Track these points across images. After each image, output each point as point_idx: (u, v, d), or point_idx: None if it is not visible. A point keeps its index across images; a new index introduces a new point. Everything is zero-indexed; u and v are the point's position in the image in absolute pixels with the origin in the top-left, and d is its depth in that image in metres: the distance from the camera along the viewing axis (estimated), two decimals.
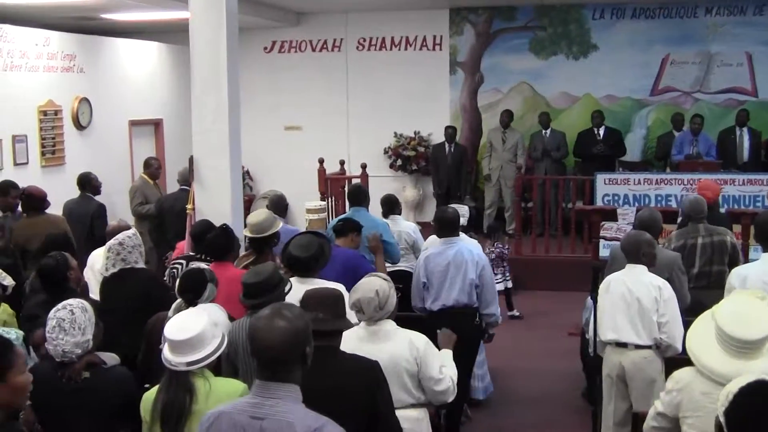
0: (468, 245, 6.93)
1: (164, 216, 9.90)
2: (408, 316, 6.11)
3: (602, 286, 6.10)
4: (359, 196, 8.21)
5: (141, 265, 6.19)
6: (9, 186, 8.55)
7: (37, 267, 5.77)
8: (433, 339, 4.91)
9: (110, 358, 4.38)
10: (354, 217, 7.58)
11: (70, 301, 4.30)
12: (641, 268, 5.99)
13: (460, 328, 5.59)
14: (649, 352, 5.87)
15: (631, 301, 5.87)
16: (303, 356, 3.11)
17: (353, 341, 4.39)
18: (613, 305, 5.94)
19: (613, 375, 6.00)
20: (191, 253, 7.03)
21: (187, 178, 10.08)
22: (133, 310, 5.63)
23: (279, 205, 8.53)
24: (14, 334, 4.62)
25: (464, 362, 5.87)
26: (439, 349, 4.93)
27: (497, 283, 9.81)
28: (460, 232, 7.59)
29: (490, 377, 7.97)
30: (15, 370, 3.22)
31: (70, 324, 4.18)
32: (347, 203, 12.36)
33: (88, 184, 9.65)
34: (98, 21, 13.16)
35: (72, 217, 9.09)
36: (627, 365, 5.89)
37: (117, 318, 5.34)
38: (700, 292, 6.91)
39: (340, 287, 4.89)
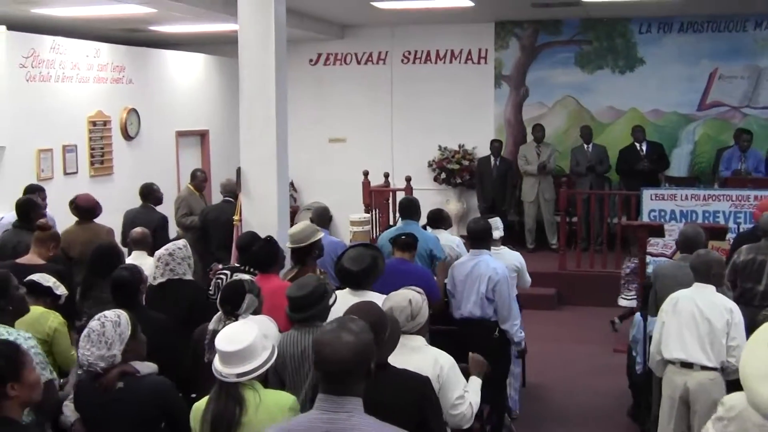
0: (489, 259, 6.89)
1: (208, 227, 9.91)
2: (438, 329, 6.05)
3: (668, 304, 5.96)
4: (411, 209, 8.18)
5: (189, 277, 6.23)
6: (35, 190, 8.67)
7: (110, 278, 5.73)
8: (461, 350, 4.86)
9: (146, 367, 4.38)
10: (405, 230, 7.60)
11: (107, 312, 4.33)
12: (711, 288, 5.88)
13: (476, 340, 5.59)
14: (715, 374, 5.75)
15: (701, 321, 5.75)
16: (368, 370, 3.10)
17: None
18: (681, 324, 5.82)
19: (675, 396, 5.87)
20: (236, 265, 7.08)
21: (230, 190, 10.15)
22: (178, 320, 5.66)
23: (322, 217, 8.52)
24: (15, 334, 4.62)
25: (494, 376, 5.83)
26: (470, 374, 4.91)
27: (628, 299, 9.72)
28: (501, 245, 7.60)
29: (518, 395, 7.89)
30: (28, 369, 3.28)
31: (98, 336, 4.20)
32: (392, 216, 12.49)
33: (150, 194, 9.68)
34: (147, 33, 13.33)
35: (134, 227, 9.07)
36: (692, 386, 5.77)
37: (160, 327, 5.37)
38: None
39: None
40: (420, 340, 4.63)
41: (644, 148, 13.05)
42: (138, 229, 7.70)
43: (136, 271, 5.59)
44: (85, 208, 8.43)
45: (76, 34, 11.93)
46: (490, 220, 7.43)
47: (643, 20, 14.04)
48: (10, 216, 8.83)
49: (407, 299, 4.59)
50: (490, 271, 6.70)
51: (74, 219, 8.41)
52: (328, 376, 3.07)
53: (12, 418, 3.17)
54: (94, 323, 4.24)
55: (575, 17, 14.12)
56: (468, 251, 8.06)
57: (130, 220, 9.29)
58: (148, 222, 8.99)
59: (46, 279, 5.70)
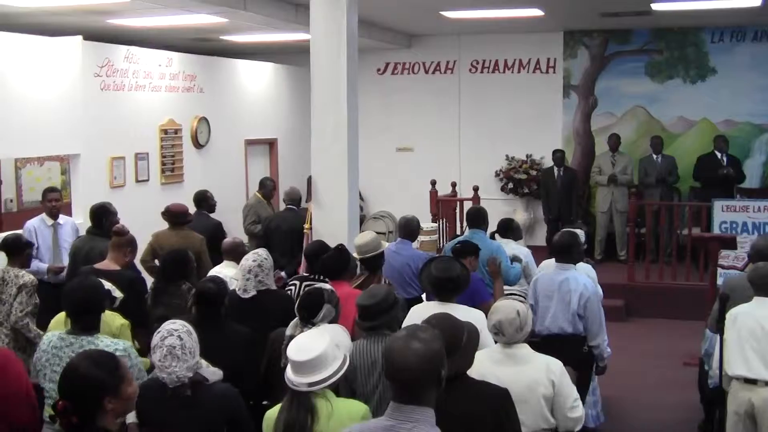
0: (578, 274, 6.81)
1: (270, 235, 9.93)
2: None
3: (728, 320, 5.87)
4: (478, 218, 8.15)
5: (273, 286, 6.31)
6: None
7: (196, 289, 5.76)
8: None
9: (212, 374, 4.43)
10: (472, 239, 7.57)
11: (173, 326, 4.31)
12: None
13: (567, 356, 5.51)
14: None
15: (762, 336, 5.66)
16: (438, 379, 3.08)
17: (487, 363, 4.34)
18: (742, 339, 5.73)
19: (741, 412, 5.77)
20: (305, 274, 7.11)
21: (293, 198, 10.22)
22: (268, 331, 5.64)
23: (408, 228, 8.35)
24: (122, 345, 4.72)
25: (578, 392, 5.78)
26: None
27: None
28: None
29: (601, 406, 7.80)
30: (126, 383, 3.31)
31: (181, 350, 4.22)
32: (458, 225, 12.46)
33: (204, 201, 9.79)
34: (217, 42, 13.50)
35: None
36: (757, 402, 5.67)
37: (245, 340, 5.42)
38: None
39: (476, 314, 4.88)
40: (527, 349, 4.65)
41: (725, 158, 12.81)
42: (229, 240, 7.77)
43: (222, 285, 5.60)
44: (174, 213, 8.61)
45: (149, 44, 12.14)
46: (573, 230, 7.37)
47: (715, 29, 13.84)
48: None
49: (515, 311, 4.60)
50: (581, 288, 6.59)
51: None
52: (397, 384, 3.09)
53: (105, 428, 3.21)
54: (169, 340, 4.22)
55: (645, 27, 13.97)
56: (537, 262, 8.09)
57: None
58: (203, 229, 9.11)
59: (104, 284, 5.81)
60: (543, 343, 6.45)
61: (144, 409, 4.27)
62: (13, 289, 6.88)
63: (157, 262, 8.14)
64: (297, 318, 5.02)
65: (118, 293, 5.86)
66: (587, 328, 6.62)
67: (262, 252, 6.35)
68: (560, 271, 6.78)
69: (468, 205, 12.28)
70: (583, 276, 6.79)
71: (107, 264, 6.90)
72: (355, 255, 6.72)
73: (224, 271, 7.12)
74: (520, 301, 4.73)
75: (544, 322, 6.70)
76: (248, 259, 6.21)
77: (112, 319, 5.58)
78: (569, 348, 6.43)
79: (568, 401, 4.55)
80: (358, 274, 6.79)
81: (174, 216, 8.60)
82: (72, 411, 3.13)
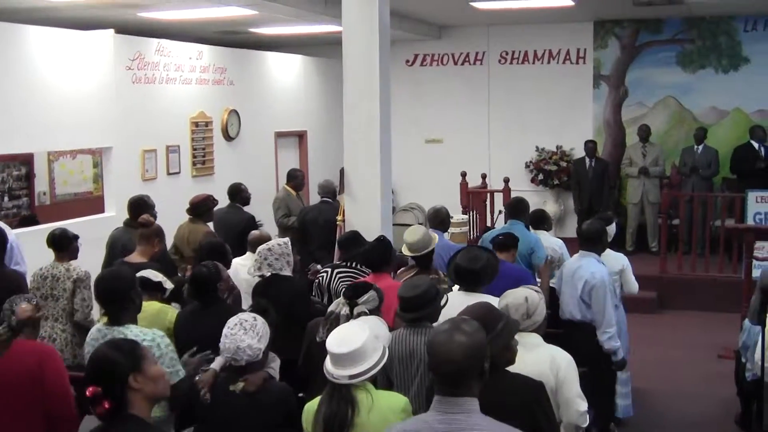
0: (592, 262, 6.70)
1: (306, 228, 9.90)
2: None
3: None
4: (519, 208, 8.09)
5: (287, 273, 6.34)
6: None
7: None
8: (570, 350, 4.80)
9: (272, 358, 4.57)
10: (511, 230, 7.53)
11: (254, 315, 4.50)
12: None
13: (581, 344, 5.50)
14: None
15: None
16: (482, 370, 3.09)
17: None
18: None
19: None
20: (336, 262, 7.12)
21: (328, 190, 10.20)
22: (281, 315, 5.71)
23: (437, 219, 8.30)
24: (150, 335, 4.71)
25: (601, 381, 5.73)
26: None
27: None
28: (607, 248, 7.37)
29: (632, 398, 7.74)
30: (148, 361, 3.32)
31: (251, 327, 4.35)
32: (489, 217, 12.42)
33: (238, 194, 9.75)
34: (247, 35, 13.52)
35: (222, 226, 9.20)
36: None
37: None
38: None
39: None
40: (536, 338, 4.59)
41: (762, 149, 12.68)
42: (256, 232, 7.81)
43: (213, 268, 5.70)
44: (189, 205, 8.68)
45: (179, 37, 12.18)
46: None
47: (748, 18, 13.68)
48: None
49: (523, 297, 4.57)
50: (587, 275, 6.55)
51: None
52: (443, 377, 3.08)
53: (138, 416, 3.22)
54: (244, 315, 4.43)
55: (677, 16, 13.83)
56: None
57: (218, 219, 9.37)
58: (236, 222, 9.14)
59: (155, 275, 5.85)
60: (563, 329, 6.51)
61: (209, 406, 4.34)
62: (67, 283, 6.84)
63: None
64: (342, 297, 5.01)
65: (168, 284, 5.89)
66: (593, 318, 6.57)
67: (281, 240, 6.53)
68: (579, 258, 6.78)
69: (498, 197, 12.32)
70: (597, 264, 6.64)
71: (136, 257, 6.89)
72: (407, 252, 6.66)
73: (245, 262, 7.19)
74: (535, 291, 4.68)
75: (561, 308, 6.76)
76: (265, 243, 6.43)
77: (165, 313, 5.63)
78: (581, 335, 6.43)
79: (573, 394, 4.48)
80: (409, 266, 6.78)
81: (190, 207, 8.71)
82: (102, 396, 3.16)
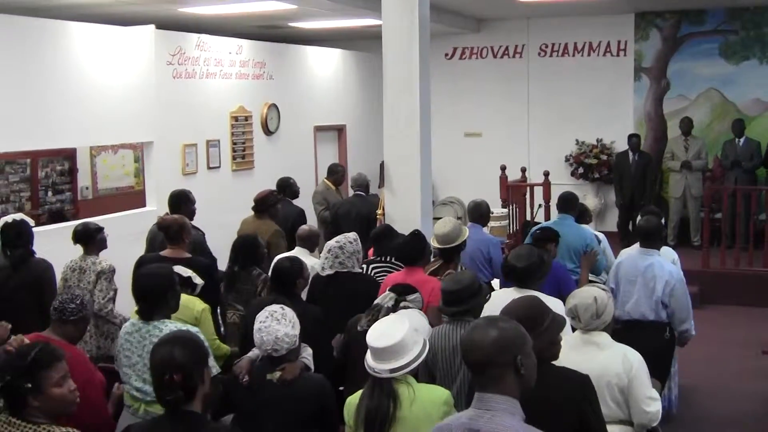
0: (663, 260, 6.67)
1: (339, 222, 9.90)
2: None
3: None
4: (569, 203, 8.04)
5: (357, 270, 6.37)
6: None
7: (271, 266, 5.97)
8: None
9: (304, 347, 4.58)
10: (560, 224, 7.47)
11: (280, 305, 4.52)
12: None
13: (648, 343, 5.43)
14: None
15: None
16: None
17: (563, 348, 4.30)
18: None
19: None
20: (372, 257, 7.11)
21: (360, 184, 10.20)
22: (345, 312, 5.66)
23: (477, 212, 8.26)
24: (186, 330, 4.73)
25: (657, 378, 5.68)
26: None
27: None
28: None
29: (677, 393, 7.66)
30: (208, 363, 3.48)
31: (282, 316, 4.38)
32: (529, 211, 12.35)
33: (287, 188, 9.79)
34: (285, 29, 13.54)
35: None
36: None
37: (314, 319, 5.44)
38: None
39: (554, 302, 4.83)
40: (606, 337, 4.56)
41: None
42: (305, 227, 7.79)
43: (297, 263, 5.73)
44: (254, 200, 8.75)
45: (219, 32, 12.22)
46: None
47: None
48: None
49: (592, 296, 4.54)
50: (666, 275, 6.49)
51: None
52: (471, 367, 3.07)
53: (198, 413, 3.31)
54: (272, 306, 4.45)
55: (720, 6, 13.66)
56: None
57: None
58: (286, 215, 9.12)
59: (184, 270, 5.86)
60: (623, 328, 6.39)
61: (241, 397, 4.37)
62: (92, 276, 6.94)
63: None
64: (386, 294, 5.02)
65: (198, 279, 5.92)
66: (675, 315, 6.51)
67: (351, 235, 6.45)
68: (644, 256, 6.67)
69: (538, 191, 12.24)
70: (668, 263, 6.67)
71: (174, 252, 6.75)
72: (435, 244, 6.62)
73: (311, 261, 7.13)
74: (602, 290, 4.63)
75: (625, 306, 6.61)
76: (334, 240, 6.34)
77: (193, 303, 5.65)
78: (649, 335, 6.36)
79: (644, 394, 4.44)
80: (434, 260, 6.75)
81: (254, 203, 8.73)
82: (180, 384, 3.27)
